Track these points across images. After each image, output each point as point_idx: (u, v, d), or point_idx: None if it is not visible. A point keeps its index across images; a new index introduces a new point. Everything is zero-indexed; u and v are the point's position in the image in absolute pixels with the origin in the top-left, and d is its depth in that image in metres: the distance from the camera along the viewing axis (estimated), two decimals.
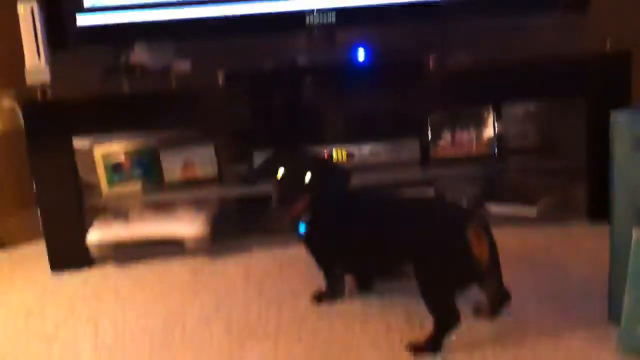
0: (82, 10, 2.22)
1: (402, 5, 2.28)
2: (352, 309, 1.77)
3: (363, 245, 1.69)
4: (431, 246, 1.53)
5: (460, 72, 2.22)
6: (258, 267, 2.11)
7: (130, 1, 2.23)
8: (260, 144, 2.31)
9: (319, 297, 1.83)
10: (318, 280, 1.93)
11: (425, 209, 1.67)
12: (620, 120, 1.51)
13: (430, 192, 2.33)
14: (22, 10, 2.13)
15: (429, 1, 2.29)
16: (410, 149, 2.31)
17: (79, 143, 2.24)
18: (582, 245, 2.08)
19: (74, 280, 2.12)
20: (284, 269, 2.08)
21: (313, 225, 1.77)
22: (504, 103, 2.37)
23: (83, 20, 2.23)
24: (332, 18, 2.23)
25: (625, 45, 2.16)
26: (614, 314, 1.55)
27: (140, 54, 2.30)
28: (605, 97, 2.12)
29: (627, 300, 1.44)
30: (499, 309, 1.60)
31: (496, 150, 2.35)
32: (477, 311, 1.63)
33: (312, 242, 1.80)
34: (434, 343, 1.49)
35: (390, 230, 1.63)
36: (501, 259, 1.56)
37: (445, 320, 1.49)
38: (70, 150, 2.18)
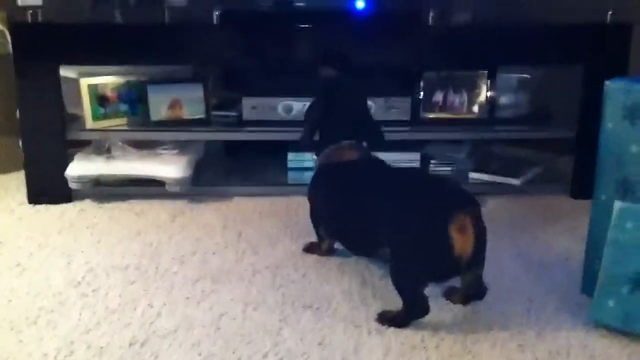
0: None
1: None
2: (329, 262, 1.77)
3: (343, 217, 1.65)
4: (408, 235, 1.44)
5: (458, 30, 2.19)
6: (238, 213, 2.10)
7: None
8: (249, 89, 2.30)
9: (308, 249, 1.83)
10: (297, 230, 1.93)
11: (413, 192, 1.52)
12: (613, 88, 1.49)
13: (416, 156, 2.33)
14: None
15: None
16: (401, 107, 2.28)
17: (67, 72, 2.19)
18: (563, 218, 2.09)
19: (50, 213, 2.10)
20: (263, 216, 2.08)
21: (314, 180, 1.77)
22: (500, 67, 2.34)
23: None
24: None
25: (626, 18, 2.13)
26: (587, 287, 1.55)
27: None
28: (601, 69, 2.08)
29: (601, 273, 1.44)
30: (470, 300, 1.54)
31: (487, 116, 2.32)
32: (448, 295, 1.57)
33: (309, 195, 1.78)
34: (401, 321, 1.47)
35: (372, 209, 1.54)
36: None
37: (413, 309, 1.46)
38: (57, 78, 2.13)
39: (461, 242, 1.38)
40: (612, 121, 1.49)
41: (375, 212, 1.53)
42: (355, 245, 1.71)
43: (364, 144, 1.77)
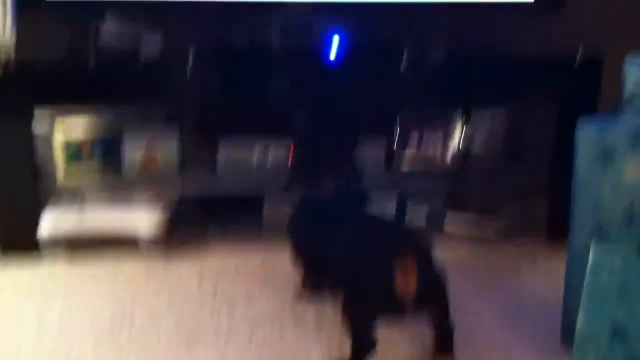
0: None
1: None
2: (305, 315, 1.74)
3: (308, 248, 1.75)
4: (354, 273, 1.50)
5: (431, 70, 2.18)
6: (213, 267, 2.07)
7: None
8: (225, 132, 2.27)
9: (300, 293, 1.86)
10: (273, 286, 1.90)
11: (364, 230, 1.62)
12: (586, 129, 1.48)
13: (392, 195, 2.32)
14: None
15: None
16: (376, 148, 2.27)
17: (39, 124, 2.16)
18: (540, 262, 2.08)
19: (21, 269, 2.06)
20: (240, 270, 2.04)
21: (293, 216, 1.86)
22: (474, 105, 2.34)
23: None
24: (308, 5, 2.18)
25: (596, 54, 2.14)
26: (566, 336, 1.54)
27: (110, 25, 2.21)
28: (574, 104, 2.10)
29: (579, 324, 1.42)
30: (444, 345, 1.53)
31: (462, 157, 2.32)
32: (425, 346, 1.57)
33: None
34: None
35: (327, 244, 1.65)
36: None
37: (358, 347, 1.47)
38: (30, 123, 2.09)
39: (403, 283, 1.41)
40: (585, 164, 1.49)
41: (329, 248, 1.63)
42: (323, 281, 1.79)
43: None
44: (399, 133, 2.31)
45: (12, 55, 2.06)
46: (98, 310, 1.80)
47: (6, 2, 2.04)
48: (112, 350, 1.59)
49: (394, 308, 1.45)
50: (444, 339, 1.53)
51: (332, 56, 2.20)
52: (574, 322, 1.45)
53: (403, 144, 2.31)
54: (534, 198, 2.30)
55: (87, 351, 1.59)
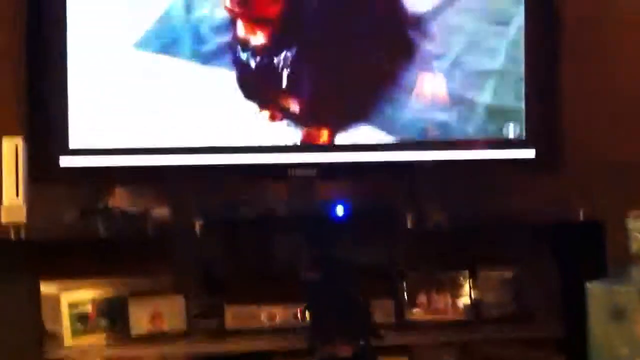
0: (68, 152, 2.20)
1: (379, 164, 2.30)
2: None
3: None
4: None
5: (436, 232, 2.23)
6: None
7: (116, 144, 2.21)
8: (231, 297, 2.28)
9: None
10: None
11: None
12: (595, 291, 1.50)
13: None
14: (7, 146, 2.12)
15: (404, 161, 2.31)
16: (385, 310, 2.27)
17: (46, 288, 2.17)
18: None
19: None
20: None
21: None
22: (480, 266, 2.37)
23: (66, 161, 2.21)
24: (312, 172, 2.26)
25: (599, 214, 2.20)
26: None
27: (119, 197, 2.29)
28: (579, 265, 2.13)
29: None
30: None
31: (472, 316, 2.32)
32: None
33: None
34: None
35: None
36: None
37: None
38: (37, 294, 2.11)
39: None
40: (598, 324, 1.49)
41: None
42: None
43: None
44: (407, 293, 2.31)
45: (24, 221, 2.11)
46: None
47: (20, 169, 2.12)
48: None
49: None
50: None
51: (338, 218, 2.26)
52: None
53: (411, 303, 2.31)
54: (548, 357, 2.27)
55: None
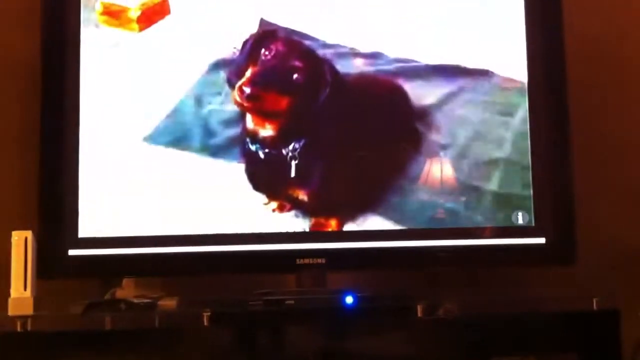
0: (77, 244, 2.22)
1: (388, 251, 2.29)
2: None
3: None
4: None
5: (447, 321, 2.19)
6: None
7: (125, 234, 2.24)
8: None
9: None
10: None
11: None
12: None
13: None
14: (16, 240, 2.12)
15: (413, 247, 2.29)
16: None
17: None
18: None
19: None
20: None
21: None
22: (494, 356, 2.31)
23: (75, 252, 2.23)
24: (322, 260, 2.25)
25: (612, 305, 2.16)
26: None
27: (127, 289, 2.28)
28: (596, 355, 2.08)
29: None
30: None
31: None
32: None
33: None
34: None
35: None
36: None
37: None
38: None
39: None
40: None
41: None
42: None
43: None
44: None
45: (31, 313, 2.09)
46: None
47: (29, 263, 2.12)
48: None
49: None
50: None
51: (347, 306, 2.23)
52: None
53: None
54: None
55: None
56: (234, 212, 2.24)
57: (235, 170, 2.24)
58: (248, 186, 2.25)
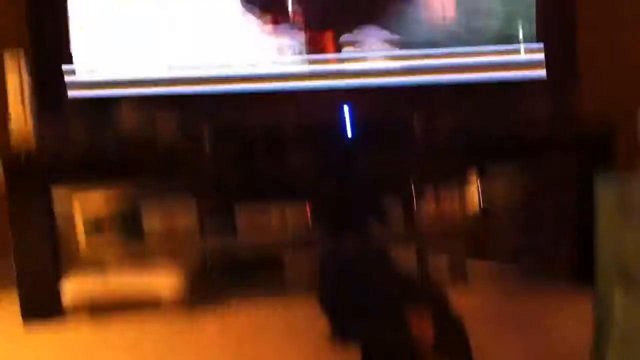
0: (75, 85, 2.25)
1: (385, 70, 2.29)
2: None
3: (332, 301, 1.75)
4: (373, 325, 1.54)
5: (444, 133, 2.24)
6: (236, 325, 2.05)
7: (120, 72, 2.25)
8: (242, 199, 2.31)
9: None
10: (298, 338, 1.89)
11: (382, 282, 1.65)
12: (604, 184, 1.50)
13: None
14: (9, 62, 2.12)
15: (411, 66, 2.29)
16: (394, 207, 2.29)
17: (58, 192, 2.21)
18: (565, 307, 2.05)
19: (46, 333, 2.06)
20: (262, 327, 2.03)
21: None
22: (489, 163, 2.37)
23: (74, 93, 2.26)
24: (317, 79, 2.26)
25: (611, 111, 2.19)
26: None
27: (127, 109, 2.29)
28: (591, 157, 2.13)
29: None
30: None
31: (480, 209, 2.34)
32: None
33: None
34: None
35: (349, 294, 1.66)
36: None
37: None
38: (49, 198, 2.16)
39: (420, 333, 1.45)
40: (605, 214, 1.50)
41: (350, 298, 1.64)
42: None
43: None
44: (416, 192, 2.34)
45: (33, 145, 2.14)
46: None
47: (25, 96, 2.12)
48: None
49: (414, 354, 1.47)
50: None
51: (347, 123, 2.26)
52: None
53: (421, 202, 2.34)
54: (557, 246, 2.31)
55: None
56: (227, 30, 2.21)
57: None
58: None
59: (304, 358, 1.81)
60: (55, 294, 2.13)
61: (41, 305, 2.14)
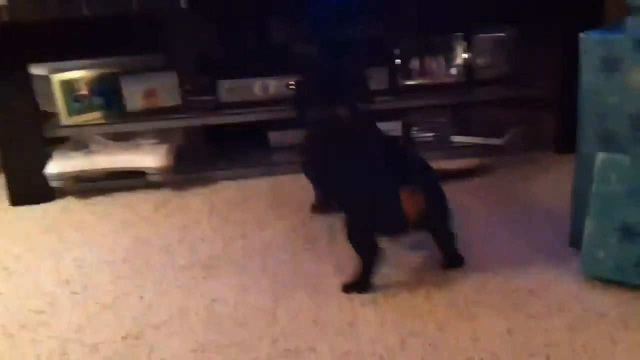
0: None
1: None
2: (318, 241, 1.75)
3: (320, 171, 1.74)
4: (358, 195, 1.51)
5: None
6: (223, 198, 2.09)
7: None
8: (224, 72, 2.27)
9: (313, 209, 1.91)
10: (283, 211, 1.91)
11: (374, 157, 1.57)
12: (588, 41, 1.47)
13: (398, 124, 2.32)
14: None
15: None
16: (378, 77, 2.26)
17: (37, 70, 2.16)
18: (549, 174, 2.09)
19: (34, 214, 2.09)
20: (249, 199, 2.07)
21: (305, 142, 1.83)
22: (475, 28, 2.32)
23: None
24: None
25: None
26: (575, 240, 1.55)
27: None
28: (576, 23, 2.08)
29: (588, 225, 1.45)
30: (453, 262, 1.57)
31: (466, 79, 2.31)
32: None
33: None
34: (361, 283, 1.50)
35: (339, 166, 1.60)
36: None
37: (367, 260, 1.49)
38: (28, 77, 2.10)
39: (406, 203, 1.42)
40: (589, 74, 1.48)
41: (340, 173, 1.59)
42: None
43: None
44: (401, 59, 2.30)
45: (6, 14, 2.04)
46: (112, 242, 1.83)
47: None
48: (128, 281, 1.62)
49: (397, 228, 1.49)
50: (452, 256, 1.57)
51: None
52: (582, 226, 1.47)
53: (405, 71, 2.31)
54: (542, 115, 2.31)
55: (105, 283, 1.62)
56: None
57: None
58: None
59: (290, 225, 1.85)
60: (42, 177, 2.13)
61: (28, 189, 2.15)
